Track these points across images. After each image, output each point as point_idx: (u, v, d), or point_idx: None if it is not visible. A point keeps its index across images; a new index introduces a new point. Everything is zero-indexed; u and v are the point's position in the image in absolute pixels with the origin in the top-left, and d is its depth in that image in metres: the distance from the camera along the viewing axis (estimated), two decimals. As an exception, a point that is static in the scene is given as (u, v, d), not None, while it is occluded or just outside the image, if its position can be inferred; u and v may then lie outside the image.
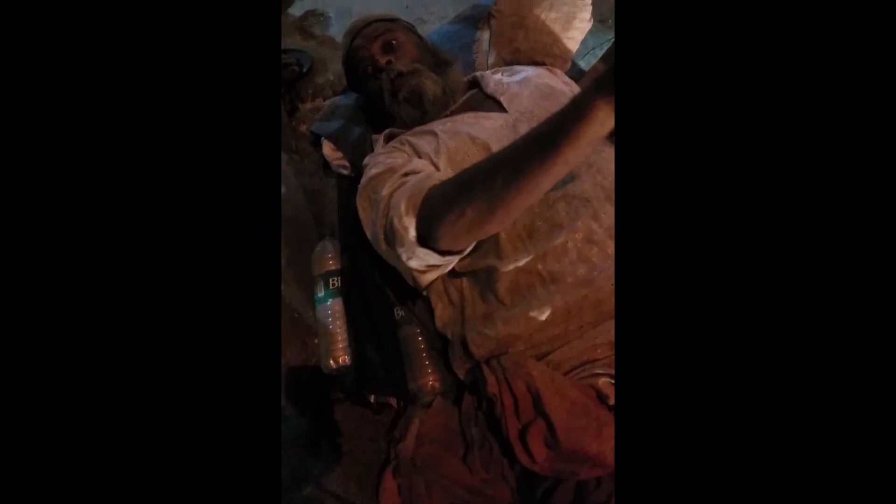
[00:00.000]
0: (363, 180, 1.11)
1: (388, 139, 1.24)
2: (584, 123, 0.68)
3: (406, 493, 0.96)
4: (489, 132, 1.10)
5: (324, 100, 1.75)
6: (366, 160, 1.18)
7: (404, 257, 0.97)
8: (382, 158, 1.12)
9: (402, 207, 0.94)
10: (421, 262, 0.96)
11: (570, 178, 0.99)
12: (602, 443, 0.84)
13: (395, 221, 0.94)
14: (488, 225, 0.88)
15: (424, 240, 0.93)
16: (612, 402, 0.90)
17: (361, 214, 1.10)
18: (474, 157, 1.05)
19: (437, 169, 1.06)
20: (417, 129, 1.20)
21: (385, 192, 1.01)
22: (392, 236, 0.97)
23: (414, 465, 0.96)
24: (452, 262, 0.99)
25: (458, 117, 1.18)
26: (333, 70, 1.86)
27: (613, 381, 0.92)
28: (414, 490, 0.96)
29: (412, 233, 0.93)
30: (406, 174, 1.02)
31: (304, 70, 1.85)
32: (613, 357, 0.92)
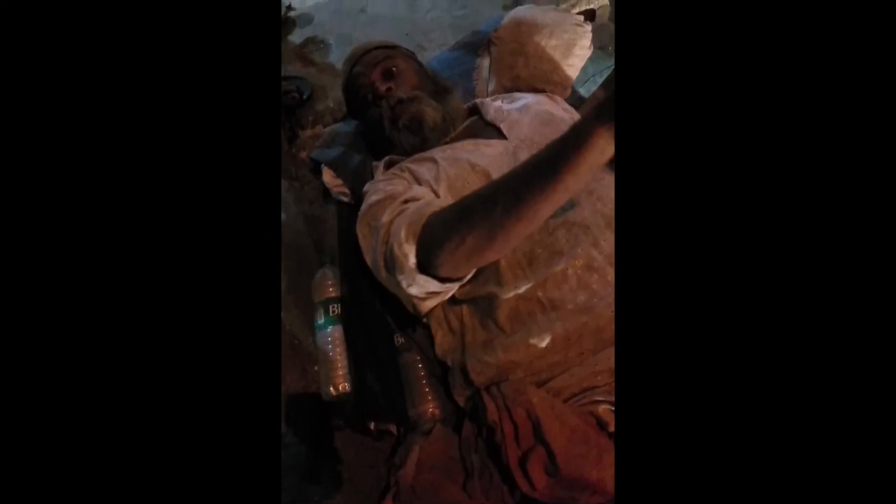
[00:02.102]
0: (363, 207, 1.11)
1: (388, 166, 1.24)
2: (584, 150, 0.68)
3: None
4: (489, 159, 1.10)
5: (324, 127, 1.76)
6: (366, 187, 1.18)
7: (404, 284, 0.97)
8: (382, 185, 1.12)
9: (402, 234, 0.94)
10: (421, 289, 0.96)
11: (571, 205, 0.99)
12: (602, 470, 0.84)
13: (395, 248, 0.94)
14: (488, 252, 0.88)
15: (424, 267, 0.93)
16: (612, 429, 0.90)
17: (361, 242, 1.10)
18: (474, 184, 1.06)
19: (437, 196, 1.06)
20: (417, 156, 1.20)
21: (385, 219, 1.01)
22: (392, 263, 0.97)
23: (414, 493, 0.96)
24: (452, 289, 0.99)
25: (458, 144, 1.18)
26: (333, 97, 1.88)
27: (613, 409, 0.91)
28: None
29: (412, 260, 0.93)
30: (406, 201, 1.02)
31: (305, 97, 1.86)
32: (614, 384, 0.92)
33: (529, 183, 0.76)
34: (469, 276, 0.98)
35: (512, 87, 1.49)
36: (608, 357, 0.93)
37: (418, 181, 1.11)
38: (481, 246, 0.86)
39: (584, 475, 0.84)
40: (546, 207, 0.77)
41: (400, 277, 0.96)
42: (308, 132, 1.76)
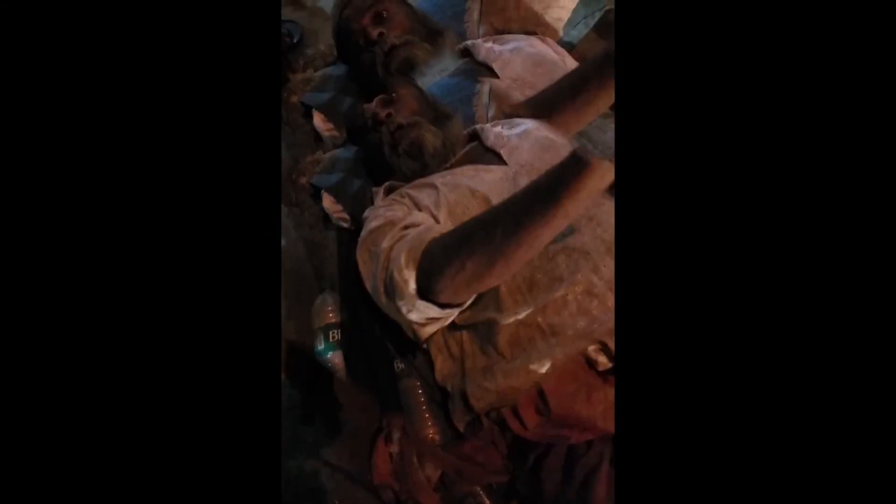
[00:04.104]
0: (363, 233, 1.10)
1: (388, 192, 1.22)
2: (583, 176, 0.70)
3: (398, 461, 0.99)
4: (489, 185, 1.09)
5: (315, 71, 1.73)
6: (366, 213, 1.17)
7: (404, 310, 0.97)
8: (382, 211, 1.11)
9: (402, 260, 0.94)
10: (421, 314, 0.97)
11: (570, 230, 0.98)
12: (591, 407, 0.88)
13: (396, 274, 0.94)
14: (488, 278, 0.89)
15: (424, 293, 0.93)
16: (600, 367, 0.93)
17: (361, 267, 1.09)
18: (474, 209, 1.05)
19: (438, 222, 1.05)
20: (417, 182, 1.19)
21: (385, 244, 1.00)
22: (392, 289, 0.97)
23: (405, 433, 1.00)
24: (452, 315, 0.99)
25: (458, 170, 1.17)
26: (325, 41, 1.83)
27: (602, 348, 0.94)
28: (406, 457, 0.99)
29: (412, 286, 0.93)
30: (406, 227, 1.02)
31: (295, 41, 1.85)
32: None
33: (530, 209, 0.77)
34: (469, 302, 0.98)
35: (504, 28, 1.47)
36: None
37: (418, 207, 1.11)
38: (481, 272, 0.86)
39: (575, 413, 0.89)
40: (546, 233, 0.79)
41: (400, 303, 0.96)
42: (299, 76, 1.72)
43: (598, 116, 0.79)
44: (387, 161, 1.25)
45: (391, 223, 1.05)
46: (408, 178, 1.22)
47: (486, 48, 1.27)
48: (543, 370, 0.94)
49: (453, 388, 1.06)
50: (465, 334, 1.04)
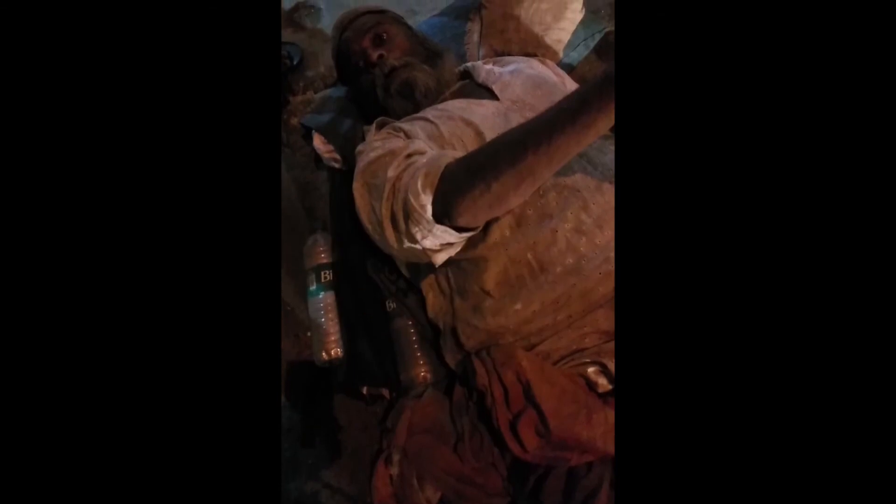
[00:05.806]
0: (360, 165, 1.08)
1: (380, 128, 1.21)
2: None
3: (398, 483, 0.97)
4: (481, 118, 1.09)
5: (315, 92, 1.74)
6: (359, 147, 1.15)
7: (419, 237, 0.94)
8: (379, 144, 1.09)
9: (419, 185, 0.91)
10: (436, 240, 0.94)
11: (562, 168, 0.98)
12: (592, 429, 0.86)
13: (412, 199, 0.92)
14: (513, 197, 0.88)
15: (440, 217, 0.91)
16: (600, 389, 0.92)
17: (358, 201, 1.07)
18: (469, 139, 1.05)
19: None
20: (408, 117, 1.19)
21: (391, 174, 0.98)
22: (406, 216, 0.94)
23: (405, 455, 0.97)
24: (466, 239, 0.97)
25: (449, 103, 1.17)
26: (324, 62, 1.86)
27: (602, 370, 0.93)
28: (405, 479, 0.97)
29: (430, 210, 0.91)
30: (409, 155, 1.00)
31: (295, 63, 1.86)
32: (601, 346, 0.93)
33: (561, 126, 0.77)
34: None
35: (504, 51, 1.47)
36: (595, 319, 0.93)
37: (412, 139, 1.09)
38: (506, 192, 0.86)
39: (575, 435, 0.86)
40: (576, 149, 0.79)
41: (415, 230, 0.94)
42: (299, 98, 1.75)
43: (598, 138, 0.78)
44: (378, 101, 1.26)
45: (392, 153, 1.03)
46: (399, 118, 1.22)
47: (486, 70, 1.26)
48: (532, 308, 0.94)
49: (444, 325, 1.06)
50: (454, 271, 1.05)
